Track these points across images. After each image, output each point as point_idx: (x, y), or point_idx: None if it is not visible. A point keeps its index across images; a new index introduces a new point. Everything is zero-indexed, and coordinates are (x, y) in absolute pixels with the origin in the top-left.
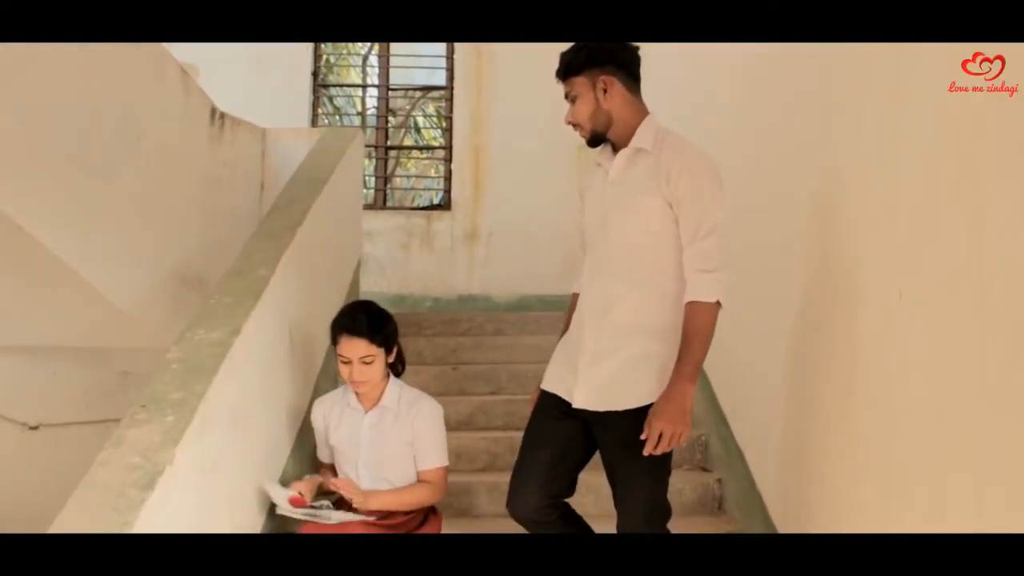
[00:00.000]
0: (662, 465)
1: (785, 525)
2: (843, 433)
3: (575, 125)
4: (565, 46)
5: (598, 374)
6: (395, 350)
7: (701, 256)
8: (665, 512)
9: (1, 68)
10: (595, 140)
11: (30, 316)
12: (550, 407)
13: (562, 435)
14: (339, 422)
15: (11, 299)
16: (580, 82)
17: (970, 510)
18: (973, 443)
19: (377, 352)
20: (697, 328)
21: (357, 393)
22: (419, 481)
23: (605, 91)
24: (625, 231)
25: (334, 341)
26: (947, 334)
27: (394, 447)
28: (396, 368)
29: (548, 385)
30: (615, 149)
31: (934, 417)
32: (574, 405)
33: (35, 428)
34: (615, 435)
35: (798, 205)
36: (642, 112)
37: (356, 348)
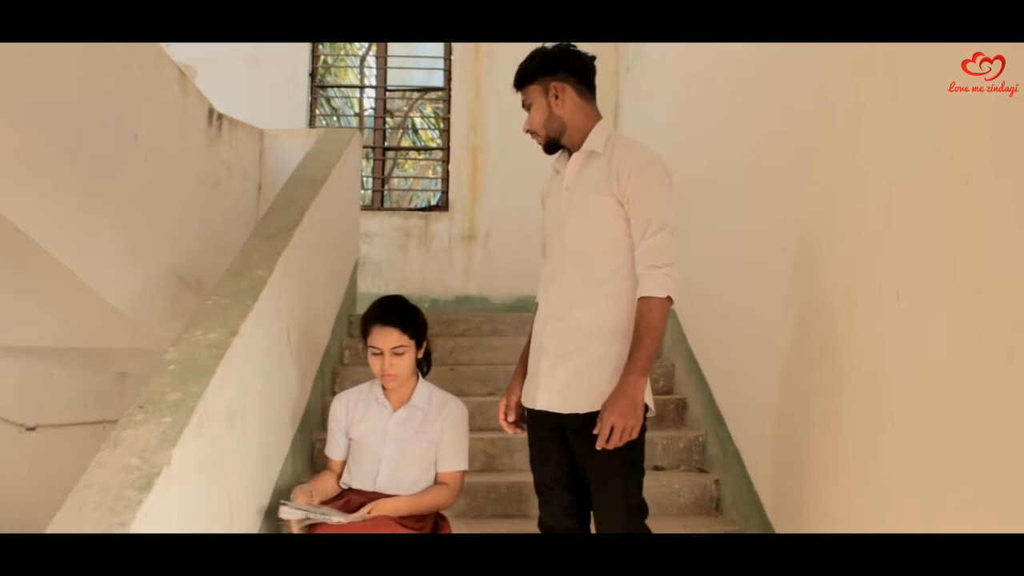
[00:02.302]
0: (633, 464)
1: (782, 525)
2: (839, 434)
3: (532, 133)
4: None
5: (559, 376)
6: (425, 345)
7: (652, 251)
8: (642, 510)
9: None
10: (551, 147)
11: (27, 317)
12: (534, 424)
13: (551, 451)
14: (363, 416)
15: (8, 300)
16: (534, 90)
17: (965, 510)
18: (969, 444)
19: (409, 344)
20: (648, 324)
21: (385, 389)
22: (437, 483)
23: (557, 97)
24: (580, 233)
25: (365, 333)
26: (944, 335)
27: (419, 447)
28: (422, 368)
29: (525, 401)
30: (570, 156)
31: (930, 418)
32: (536, 407)
33: (32, 429)
34: (581, 437)
35: (795, 207)
36: (594, 117)
37: (388, 338)
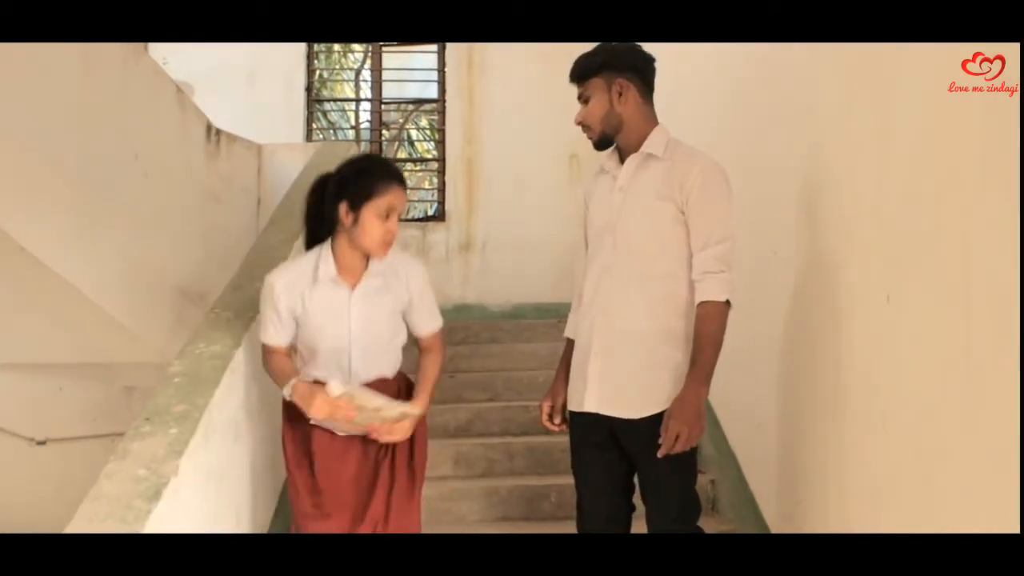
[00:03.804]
0: (688, 464)
1: (777, 524)
2: (832, 434)
3: (585, 126)
4: (556, 49)
5: (610, 378)
6: None
7: (712, 259)
8: (696, 509)
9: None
10: (603, 143)
11: (35, 334)
12: (579, 429)
13: (597, 458)
14: (312, 296)
15: (16, 318)
16: (596, 84)
17: (958, 509)
18: (961, 443)
19: None
20: (710, 332)
21: (337, 269)
22: (421, 350)
23: (620, 94)
24: (634, 234)
25: (374, 191)
26: (934, 335)
27: (384, 322)
28: None
29: (571, 403)
30: (621, 156)
31: (922, 417)
32: (583, 409)
33: (42, 443)
34: (637, 441)
35: (786, 209)
36: (653, 121)
37: (402, 200)
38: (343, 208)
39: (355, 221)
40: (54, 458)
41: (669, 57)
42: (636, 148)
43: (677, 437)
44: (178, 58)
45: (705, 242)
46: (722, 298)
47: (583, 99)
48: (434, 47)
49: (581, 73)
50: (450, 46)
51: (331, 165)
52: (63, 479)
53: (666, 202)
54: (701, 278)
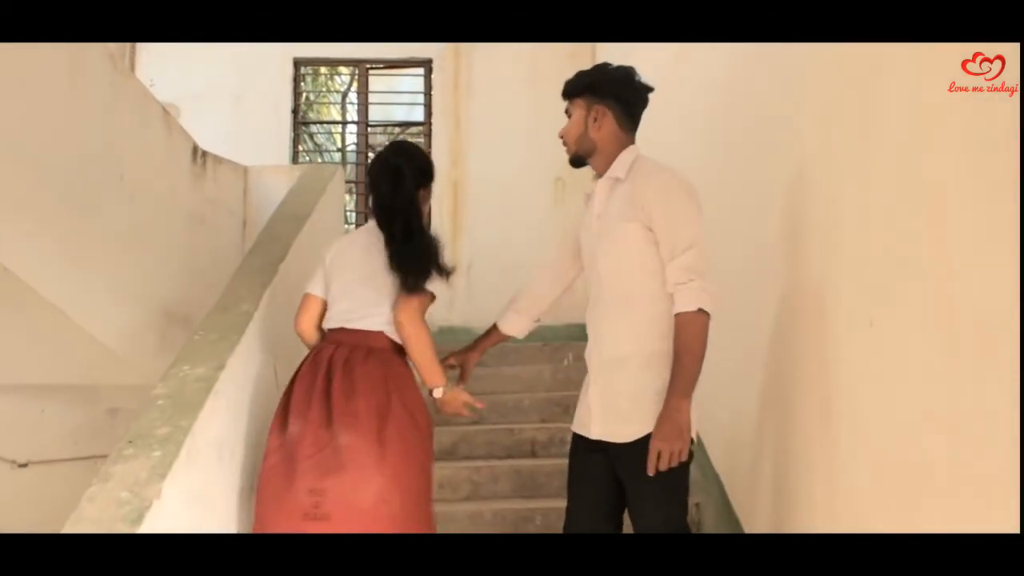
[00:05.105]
0: (676, 488)
1: None
2: (818, 457)
3: (564, 142)
4: (542, 72)
5: (605, 405)
6: None
7: (681, 269)
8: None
9: None
10: (575, 162)
11: (17, 355)
12: (579, 447)
13: (595, 474)
14: None
15: None
16: (578, 103)
17: (944, 532)
18: (943, 469)
19: None
20: (685, 343)
21: None
22: None
23: (595, 120)
24: (611, 261)
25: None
26: (917, 360)
27: None
28: None
29: (576, 427)
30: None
31: (907, 441)
32: (592, 436)
33: (24, 466)
34: (626, 463)
35: (770, 231)
36: (626, 145)
37: None
38: (429, 189)
39: (427, 201)
40: (36, 481)
41: (654, 74)
42: (605, 173)
43: (660, 455)
44: (164, 80)
45: (671, 253)
46: (693, 308)
47: (568, 114)
48: (420, 70)
49: (568, 90)
50: (436, 68)
51: (317, 188)
52: (45, 502)
53: (633, 223)
54: (673, 290)
